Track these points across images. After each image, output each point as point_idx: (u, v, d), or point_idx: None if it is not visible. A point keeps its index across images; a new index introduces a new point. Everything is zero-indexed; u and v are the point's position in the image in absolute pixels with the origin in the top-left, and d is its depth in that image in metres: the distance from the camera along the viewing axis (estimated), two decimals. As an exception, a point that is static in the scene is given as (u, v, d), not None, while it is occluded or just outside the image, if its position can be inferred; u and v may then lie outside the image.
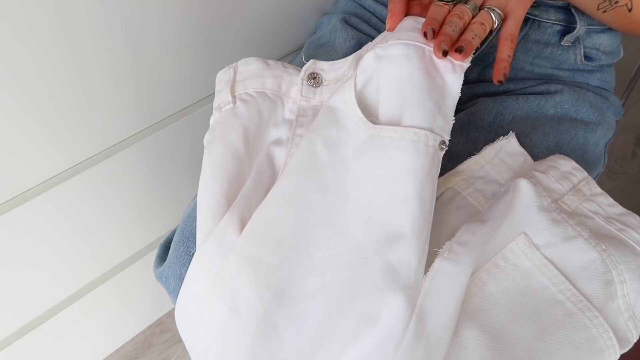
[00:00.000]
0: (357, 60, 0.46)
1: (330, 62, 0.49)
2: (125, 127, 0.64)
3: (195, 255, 0.42)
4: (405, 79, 0.41)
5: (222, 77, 0.49)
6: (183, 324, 0.43)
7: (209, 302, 0.39)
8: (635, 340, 0.40)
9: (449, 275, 0.37)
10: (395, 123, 0.41)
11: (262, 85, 0.48)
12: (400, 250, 0.38)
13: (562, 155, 0.47)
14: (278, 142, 0.47)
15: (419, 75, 0.41)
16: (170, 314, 1.00)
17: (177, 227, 0.54)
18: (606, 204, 0.44)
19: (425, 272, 0.38)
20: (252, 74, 0.49)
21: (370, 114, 0.43)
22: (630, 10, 0.48)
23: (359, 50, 0.49)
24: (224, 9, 0.63)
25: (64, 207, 0.64)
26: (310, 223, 0.40)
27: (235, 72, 0.49)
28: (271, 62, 0.50)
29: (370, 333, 0.36)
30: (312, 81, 0.49)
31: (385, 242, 0.38)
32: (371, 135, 0.41)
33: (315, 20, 0.75)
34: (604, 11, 0.50)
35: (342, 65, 0.49)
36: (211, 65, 0.67)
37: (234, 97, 0.48)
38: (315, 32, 0.72)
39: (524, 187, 0.42)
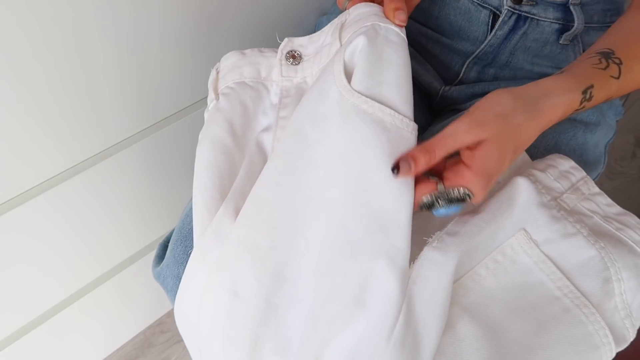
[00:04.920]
0: (339, 31, 0.46)
1: (307, 37, 0.49)
2: (125, 127, 0.64)
3: (194, 249, 0.42)
4: (400, 65, 0.41)
5: (210, 79, 0.50)
6: (183, 318, 0.43)
7: (210, 289, 0.39)
8: (632, 339, 0.40)
9: (437, 263, 0.38)
10: (386, 103, 0.41)
11: (240, 76, 0.48)
12: (396, 237, 0.38)
13: (561, 155, 0.47)
14: (267, 129, 0.47)
15: (408, 67, 0.42)
16: (170, 313, 1.00)
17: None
18: (604, 204, 0.44)
19: (414, 260, 0.39)
20: (231, 67, 0.49)
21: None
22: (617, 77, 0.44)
23: (335, 20, 0.48)
24: (223, 9, 0.63)
25: (64, 206, 0.65)
26: (301, 202, 0.40)
27: (217, 71, 0.49)
28: (248, 50, 0.49)
29: (365, 318, 0.37)
30: (292, 60, 0.48)
31: (378, 227, 0.38)
32: (356, 107, 0.40)
33: (315, 20, 0.75)
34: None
35: (319, 37, 0.49)
36: (211, 65, 0.67)
37: (217, 94, 0.48)
38: (314, 32, 0.72)
39: (523, 184, 0.42)
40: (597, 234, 0.41)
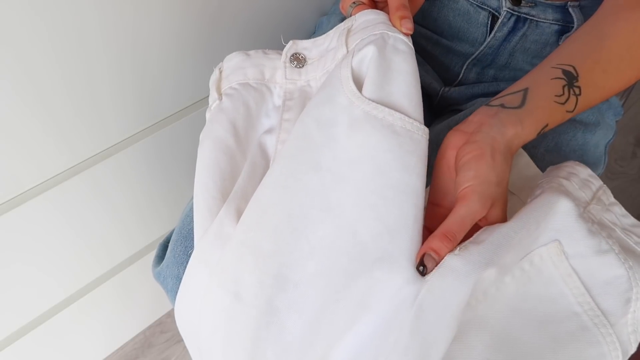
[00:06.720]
0: (346, 36, 0.46)
1: (311, 40, 0.49)
2: (127, 126, 0.64)
3: (194, 250, 0.42)
4: (409, 73, 0.42)
5: (212, 79, 0.50)
6: (183, 319, 0.43)
7: (212, 291, 0.39)
8: (632, 352, 0.39)
9: (457, 273, 0.36)
10: (396, 109, 0.41)
11: (244, 77, 0.48)
12: (403, 240, 0.38)
13: (577, 162, 0.45)
14: (270, 131, 0.47)
15: (417, 74, 0.42)
16: (170, 314, 1.00)
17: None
18: (620, 215, 0.43)
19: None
20: (235, 67, 0.49)
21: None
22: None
23: (340, 24, 0.48)
24: (224, 10, 0.63)
25: (64, 206, 0.65)
26: (306, 205, 0.40)
27: (220, 71, 0.49)
28: (252, 52, 0.49)
29: (368, 322, 0.36)
30: (296, 62, 0.48)
31: (385, 230, 0.38)
32: (366, 113, 0.40)
33: (315, 21, 0.75)
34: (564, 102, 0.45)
35: (323, 41, 0.48)
36: (212, 65, 0.67)
37: (220, 94, 0.48)
38: (315, 33, 0.72)
39: (562, 196, 0.40)
40: (626, 251, 0.40)
